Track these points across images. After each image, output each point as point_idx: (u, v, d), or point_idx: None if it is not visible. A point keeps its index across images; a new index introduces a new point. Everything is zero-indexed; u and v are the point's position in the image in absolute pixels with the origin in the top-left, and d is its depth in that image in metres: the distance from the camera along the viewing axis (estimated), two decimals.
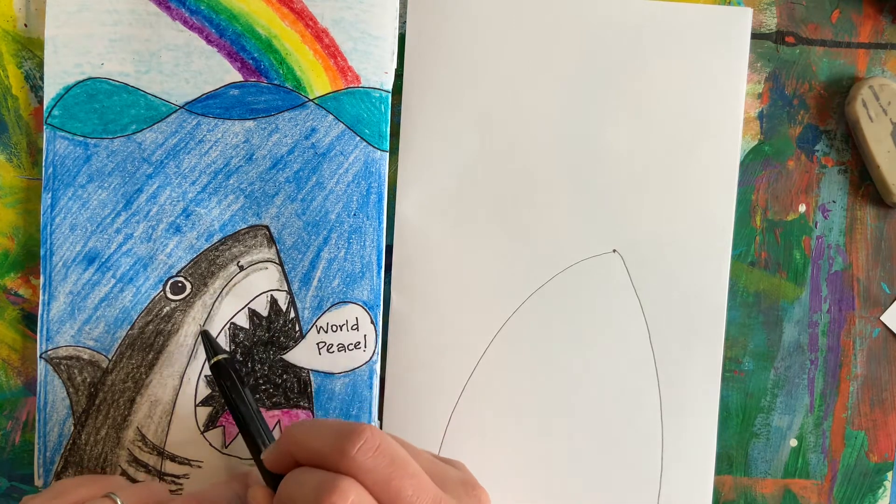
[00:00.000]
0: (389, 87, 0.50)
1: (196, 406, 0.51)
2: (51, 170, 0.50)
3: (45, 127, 0.50)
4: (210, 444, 0.51)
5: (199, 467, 0.51)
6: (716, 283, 0.50)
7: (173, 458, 0.51)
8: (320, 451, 0.39)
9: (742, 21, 0.50)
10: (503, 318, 0.51)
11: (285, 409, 0.51)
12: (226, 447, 0.51)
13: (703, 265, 0.50)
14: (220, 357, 0.47)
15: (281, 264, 0.50)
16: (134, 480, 0.51)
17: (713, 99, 0.50)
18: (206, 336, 0.49)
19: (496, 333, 0.51)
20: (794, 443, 0.52)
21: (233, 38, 0.50)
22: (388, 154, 0.50)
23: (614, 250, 0.51)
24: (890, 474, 0.53)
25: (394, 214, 0.51)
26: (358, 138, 0.50)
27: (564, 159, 0.51)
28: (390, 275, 0.51)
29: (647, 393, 0.51)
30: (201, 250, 0.51)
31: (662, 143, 0.50)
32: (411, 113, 0.51)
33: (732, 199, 0.50)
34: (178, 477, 0.51)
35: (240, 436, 0.50)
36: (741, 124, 0.50)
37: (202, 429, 0.51)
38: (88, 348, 0.51)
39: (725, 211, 0.50)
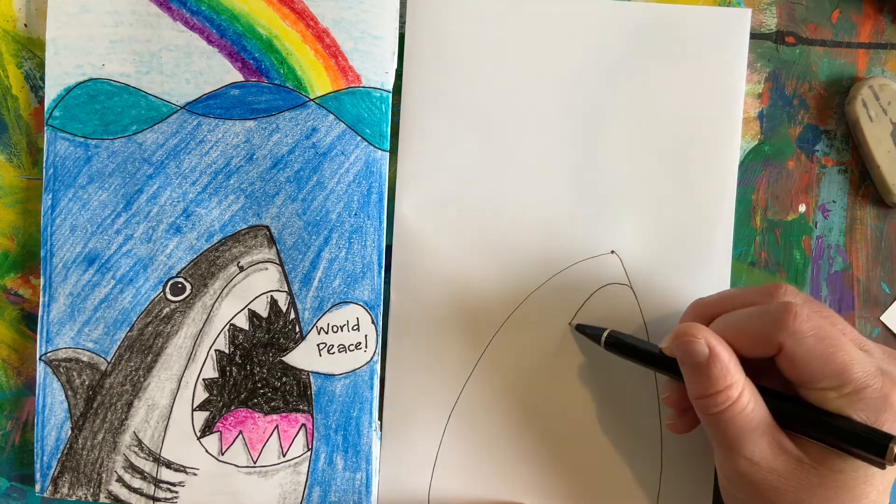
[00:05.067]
0: (390, 86, 0.50)
1: (193, 410, 0.50)
2: (51, 171, 0.50)
3: (45, 128, 0.50)
4: (206, 451, 0.51)
5: (195, 475, 0.51)
6: (717, 285, 0.50)
7: (169, 465, 0.50)
8: (758, 330, 0.42)
9: (741, 22, 0.50)
10: (502, 318, 0.51)
11: (284, 413, 0.50)
12: (222, 454, 0.51)
13: (703, 266, 0.50)
14: (606, 332, 0.49)
15: (281, 265, 0.50)
16: (130, 487, 0.50)
17: (712, 100, 0.50)
18: (580, 328, 0.50)
19: (495, 333, 0.51)
20: None
21: (233, 39, 0.50)
22: (388, 154, 0.50)
23: (613, 251, 0.51)
24: None
25: (393, 214, 0.51)
26: (359, 138, 0.50)
27: (563, 159, 0.51)
28: (389, 275, 0.51)
29: (645, 393, 0.51)
30: (201, 251, 0.51)
31: (661, 143, 0.50)
32: (411, 113, 0.51)
33: (732, 199, 0.50)
34: (173, 484, 0.50)
35: (236, 443, 0.50)
36: (740, 125, 0.50)
37: (198, 434, 0.50)
38: (88, 350, 0.50)
39: (725, 212, 0.50)
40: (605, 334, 0.48)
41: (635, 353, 0.47)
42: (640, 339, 0.48)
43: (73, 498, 0.50)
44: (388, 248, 0.51)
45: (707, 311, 0.46)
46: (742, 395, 0.41)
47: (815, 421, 0.41)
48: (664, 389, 0.47)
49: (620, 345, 0.48)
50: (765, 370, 0.43)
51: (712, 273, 0.50)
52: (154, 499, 0.50)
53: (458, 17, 0.50)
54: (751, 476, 0.42)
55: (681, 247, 0.50)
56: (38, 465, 0.51)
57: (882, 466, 0.39)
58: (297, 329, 0.50)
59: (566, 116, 0.51)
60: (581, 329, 0.50)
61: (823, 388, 0.41)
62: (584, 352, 0.51)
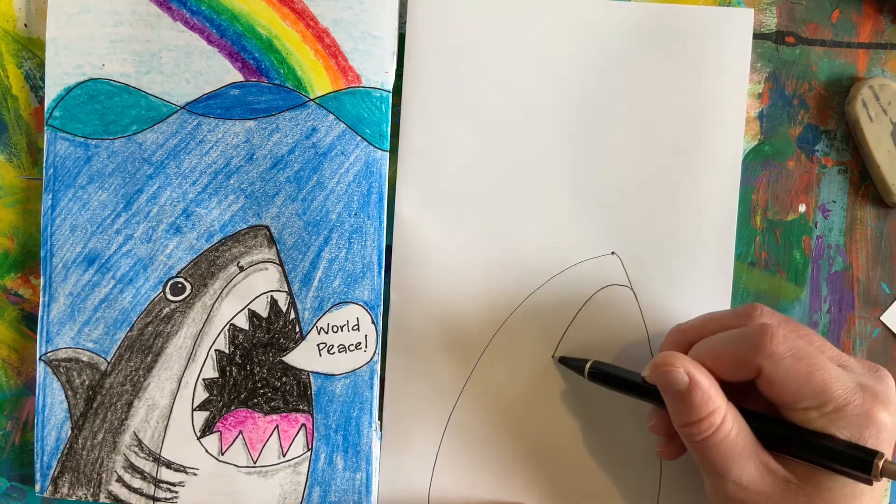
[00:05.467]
0: (390, 86, 0.50)
1: (193, 410, 0.50)
2: (51, 171, 0.50)
3: (45, 128, 0.50)
4: (206, 451, 0.50)
5: (195, 475, 0.51)
6: (719, 286, 0.50)
7: (169, 465, 0.50)
8: (736, 354, 0.42)
9: (743, 22, 0.50)
10: (502, 318, 0.51)
11: (284, 414, 0.50)
12: (222, 454, 0.50)
13: (705, 268, 0.50)
14: (589, 364, 0.49)
15: (281, 265, 0.50)
16: (130, 487, 0.50)
17: (715, 101, 0.50)
18: (563, 361, 0.50)
19: (495, 334, 0.51)
20: None
21: (233, 39, 0.50)
22: (388, 154, 0.50)
23: (613, 252, 0.51)
24: None
25: (393, 214, 0.51)
26: (359, 138, 0.50)
27: (564, 160, 0.51)
28: (389, 275, 0.51)
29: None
30: (201, 251, 0.51)
31: (663, 144, 0.50)
32: (411, 113, 0.51)
33: (735, 201, 0.50)
34: (173, 484, 0.50)
35: (236, 443, 0.50)
36: (743, 126, 0.50)
37: (198, 434, 0.50)
38: (88, 350, 0.50)
39: (728, 213, 0.50)
40: (587, 365, 0.48)
41: (619, 384, 0.47)
42: (623, 368, 0.48)
43: (73, 498, 0.50)
44: (388, 248, 0.51)
45: (686, 337, 0.46)
46: (725, 421, 0.41)
47: (800, 441, 0.41)
48: (650, 417, 0.48)
49: (604, 375, 0.48)
50: (748, 392, 0.43)
51: (714, 274, 0.50)
52: (154, 499, 0.50)
53: (459, 18, 0.50)
54: (740, 500, 0.42)
55: (682, 248, 0.50)
56: (38, 465, 0.51)
57: (869, 483, 0.40)
58: (297, 329, 0.50)
59: (567, 116, 0.51)
60: (564, 362, 0.50)
61: (805, 407, 0.41)
62: (582, 354, 0.51)
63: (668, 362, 0.42)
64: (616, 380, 0.47)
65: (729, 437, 0.41)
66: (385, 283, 0.51)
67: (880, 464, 0.39)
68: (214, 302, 0.51)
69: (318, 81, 0.50)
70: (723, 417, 0.41)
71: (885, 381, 0.42)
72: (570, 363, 0.50)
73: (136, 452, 0.50)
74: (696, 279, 0.50)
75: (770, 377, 0.41)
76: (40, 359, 0.50)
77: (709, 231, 0.50)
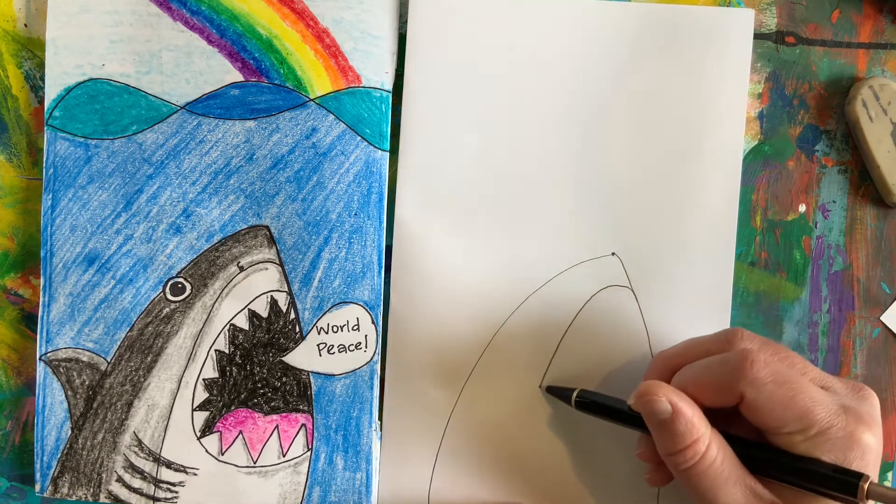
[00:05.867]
0: (390, 86, 0.50)
1: (193, 410, 0.50)
2: (51, 171, 0.50)
3: (45, 128, 0.50)
4: (206, 451, 0.51)
5: (195, 475, 0.51)
6: (720, 287, 0.50)
7: (169, 465, 0.50)
8: (718, 381, 0.42)
9: (744, 23, 0.50)
10: (501, 319, 0.51)
11: (284, 414, 0.50)
12: (222, 454, 0.50)
13: (705, 269, 0.50)
14: (575, 393, 0.49)
15: (281, 265, 0.50)
16: (130, 487, 0.50)
17: (715, 101, 0.50)
18: (550, 391, 0.50)
19: (494, 334, 0.51)
20: None
21: (234, 39, 0.50)
22: (388, 154, 0.50)
23: (613, 253, 0.51)
24: (890, 474, 0.53)
25: (393, 215, 0.51)
26: (359, 138, 0.50)
27: (564, 161, 0.51)
28: (389, 275, 0.51)
29: None
30: (201, 251, 0.51)
31: (663, 145, 0.50)
32: (411, 113, 0.51)
33: (735, 201, 0.50)
34: (173, 484, 0.50)
35: (236, 443, 0.50)
36: (743, 126, 0.50)
37: (198, 434, 0.50)
38: (88, 350, 0.50)
39: (728, 214, 0.50)
40: (574, 394, 0.48)
41: (605, 412, 0.47)
42: (610, 396, 0.48)
43: (73, 498, 0.50)
44: (388, 248, 0.51)
45: (669, 364, 0.46)
46: (710, 449, 0.41)
47: (785, 466, 0.41)
48: (638, 445, 0.47)
49: (590, 405, 0.48)
50: (734, 417, 0.43)
51: (714, 275, 0.50)
52: (154, 499, 0.50)
53: (460, 18, 0.50)
54: None
55: (682, 249, 0.50)
56: (38, 465, 0.51)
57: None
58: (297, 329, 0.50)
59: (567, 117, 0.51)
60: (551, 391, 0.50)
61: (789, 432, 0.41)
62: (582, 355, 0.51)
63: (651, 392, 0.43)
64: (603, 408, 0.47)
65: (714, 464, 0.41)
66: (385, 283, 0.51)
67: (866, 486, 0.39)
68: (214, 302, 0.51)
69: (318, 81, 0.50)
70: (707, 445, 0.42)
71: (868, 402, 0.42)
72: (557, 392, 0.50)
73: (136, 452, 0.50)
74: (697, 280, 0.50)
75: (752, 403, 0.41)
76: (40, 359, 0.50)
77: (709, 231, 0.50)
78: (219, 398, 0.50)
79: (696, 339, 0.47)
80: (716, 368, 0.43)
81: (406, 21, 0.51)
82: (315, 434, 0.51)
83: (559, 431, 0.51)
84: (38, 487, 0.51)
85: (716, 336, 0.45)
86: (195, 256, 0.50)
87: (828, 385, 0.42)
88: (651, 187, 0.50)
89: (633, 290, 0.51)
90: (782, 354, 0.43)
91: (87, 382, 0.50)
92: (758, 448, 0.42)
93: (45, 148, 0.50)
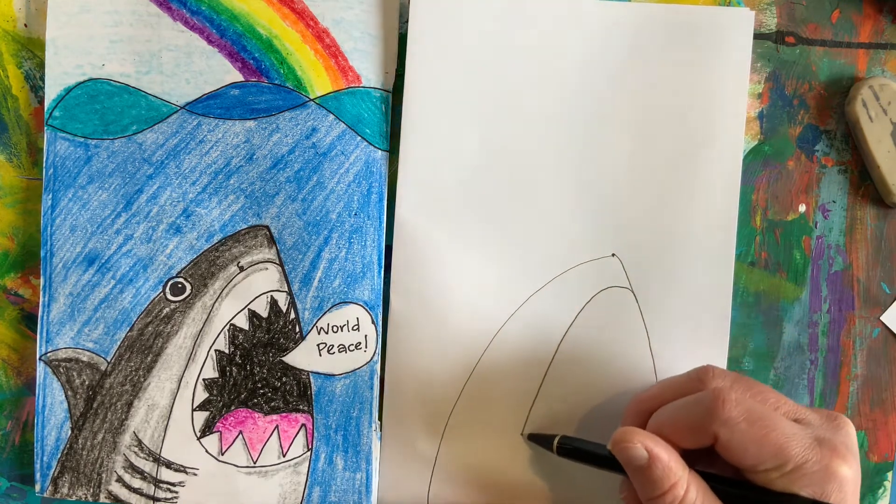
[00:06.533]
0: (390, 86, 0.50)
1: (193, 410, 0.50)
2: (51, 171, 0.50)
3: (45, 128, 0.50)
4: (206, 451, 0.51)
5: (195, 475, 0.51)
6: (720, 288, 0.50)
7: (169, 465, 0.50)
8: (691, 422, 0.42)
9: (744, 23, 0.50)
10: (502, 320, 0.51)
11: (283, 413, 0.50)
12: (222, 454, 0.50)
13: (705, 269, 0.50)
14: (557, 438, 0.49)
15: (281, 265, 0.50)
16: (130, 487, 0.50)
17: (715, 101, 0.50)
18: (532, 438, 0.50)
19: (494, 335, 0.51)
20: None
21: (234, 39, 0.50)
22: (388, 154, 0.50)
23: (613, 254, 0.51)
24: (890, 474, 0.53)
25: (393, 215, 0.51)
26: (359, 138, 0.50)
27: (564, 161, 0.51)
28: (389, 276, 0.51)
29: None
30: (201, 251, 0.51)
31: (663, 145, 0.50)
32: (411, 113, 0.51)
33: (735, 202, 0.50)
34: (173, 484, 0.50)
35: (236, 443, 0.50)
36: (743, 128, 0.50)
37: (198, 434, 0.50)
38: (88, 350, 0.50)
39: (728, 214, 0.50)
40: (555, 441, 0.48)
41: (586, 458, 0.47)
42: (590, 441, 0.48)
43: (73, 498, 0.50)
44: (388, 248, 0.51)
45: (644, 407, 0.46)
46: (689, 492, 0.41)
47: (764, 503, 0.41)
48: (621, 488, 0.47)
49: (572, 451, 0.48)
50: (714, 455, 0.43)
51: (714, 276, 0.50)
52: (154, 499, 0.50)
53: (460, 18, 0.50)
54: None
55: (682, 249, 0.50)
56: (38, 465, 0.51)
57: None
58: (297, 329, 0.50)
59: (567, 117, 0.51)
60: (533, 438, 0.50)
61: (766, 469, 0.41)
62: (582, 356, 0.51)
63: (626, 438, 0.43)
64: (584, 454, 0.47)
65: None
66: (385, 283, 0.51)
67: None
68: (214, 302, 0.51)
69: (318, 81, 0.50)
70: (686, 488, 0.42)
71: (843, 431, 0.42)
72: (538, 440, 0.50)
73: (136, 452, 0.50)
74: (697, 280, 0.50)
75: (727, 443, 0.41)
76: (40, 359, 0.50)
77: (709, 232, 0.50)
78: (219, 398, 0.50)
79: (669, 379, 0.47)
80: (689, 410, 0.43)
81: (406, 21, 0.51)
82: (315, 434, 0.51)
83: (566, 423, 0.51)
84: (38, 487, 0.51)
85: (688, 375, 0.45)
86: (195, 256, 0.50)
87: (801, 418, 0.42)
88: (651, 187, 0.50)
89: (633, 291, 0.51)
90: (754, 390, 0.43)
91: (87, 382, 0.50)
92: (737, 486, 0.42)
93: (45, 148, 0.50)
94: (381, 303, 0.51)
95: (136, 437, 0.50)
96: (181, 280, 0.51)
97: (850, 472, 0.40)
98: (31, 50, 0.51)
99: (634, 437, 0.43)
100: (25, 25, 0.51)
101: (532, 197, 0.51)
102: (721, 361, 0.50)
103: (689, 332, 0.50)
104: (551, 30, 0.50)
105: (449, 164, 0.51)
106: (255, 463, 0.50)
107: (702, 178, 0.50)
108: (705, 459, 0.43)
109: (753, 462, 0.41)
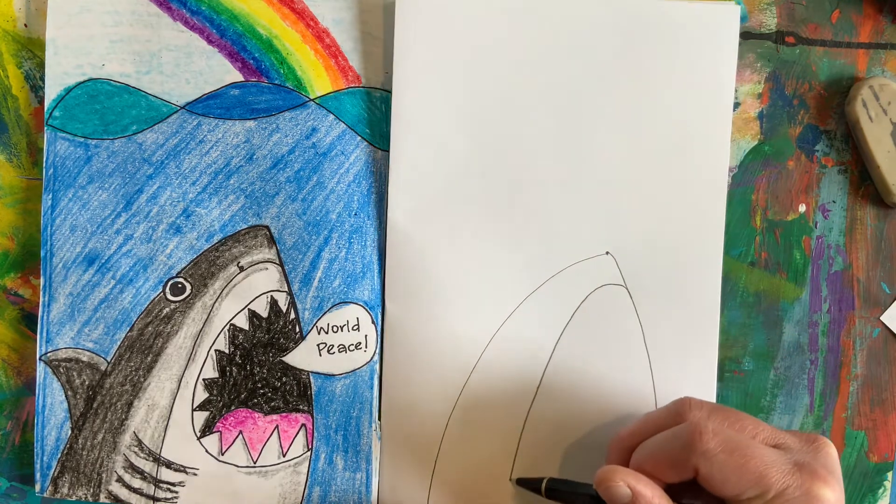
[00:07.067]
0: (390, 87, 0.50)
1: (193, 410, 0.50)
2: (51, 171, 0.50)
3: (45, 128, 0.50)
4: (206, 451, 0.51)
5: (195, 475, 0.51)
6: (708, 284, 0.50)
7: (169, 465, 0.50)
8: (671, 457, 0.42)
9: (730, 17, 0.50)
10: (499, 321, 0.51)
11: (284, 413, 0.50)
12: (222, 454, 0.51)
13: (695, 266, 0.50)
14: (545, 481, 0.49)
15: (281, 265, 0.50)
16: (130, 487, 0.50)
17: (702, 98, 0.50)
18: (521, 482, 0.50)
19: (492, 337, 0.51)
20: None
21: (234, 39, 0.50)
22: (388, 153, 0.50)
23: (607, 252, 0.51)
24: (890, 474, 0.53)
25: (385, 218, 0.51)
26: (359, 138, 0.50)
27: (556, 161, 0.50)
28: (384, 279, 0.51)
29: (642, 394, 0.51)
30: (201, 251, 0.51)
31: (653, 142, 0.50)
32: (401, 115, 0.50)
33: (722, 198, 0.50)
34: (173, 484, 0.50)
35: (236, 443, 0.50)
36: (730, 123, 0.50)
37: (198, 434, 0.50)
38: (88, 350, 0.50)
39: (715, 210, 0.50)
40: (544, 484, 0.48)
41: (575, 500, 0.47)
42: (578, 482, 0.48)
43: (73, 498, 0.50)
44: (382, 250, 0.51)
45: (626, 445, 0.46)
46: None
47: None
48: None
49: (560, 493, 0.48)
50: (698, 489, 0.43)
51: (704, 273, 0.50)
52: (154, 499, 0.50)
53: (447, 17, 0.50)
54: None
55: (675, 246, 0.50)
56: (38, 465, 0.51)
57: None
58: (297, 329, 0.50)
59: (557, 115, 0.50)
60: (522, 483, 0.50)
61: (748, 498, 0.41)
62: (580, 355, 0.51)
63: (609, 478, 0.43)
64: (572, 496, 0.47)
65: None
66: (384, 283, 0.51)
67: None
68: (214, 302, 0.51)
69: (318, 81, 0.50)
70: None
71: (822, 452, 0.42)
72: (526, 484, 0.50)
73: (136, 452, 0.50)
74: (687, 277, 0.50)
75: (707, 475, 0.41)
76: (40, 359, 0.51)
77: (697, 229, 0.50)
78: (219, 398, 0.50)
79: (649, 414, 0.47)
80: (668, 444, 0.43)
81: (393, 21, 0.50)
82: (315, 434, 0.51)
83: (558, 434, 0.51)
84: (38, 487, 0.51)
85: (667, 409, 0.45)
86: (195, 256, 0.50)
87: (781, 443, 0.43)
88: (642, 185, 0.50)
89: (627, 289, 0.51)
90: (732, 419, 0.43)
91: (87, 382, 0.50)
92: None
93: (45, 148, 0.50)
94: (381, 303, 0.51)
95: (136, 437, 0.50)
96: (181, 280, 0.51)
97: (831, 495, 0.40)
98: (31, 50, 0.51)
99: (616, 475, 0.43)
100: (25, 25, 0.51)
101: (524, 197, 0.51)
102: (712, 357, 0.50)
103: (682, 330, 0.50)
104: (539, 29, 0.50)
105: (439, 166, 0.51)
106: (255, 463, 0.50)
107: (690, 175, 0.50)
108: (690, 492, 0.44)
109: (735, 492, 0.41)
